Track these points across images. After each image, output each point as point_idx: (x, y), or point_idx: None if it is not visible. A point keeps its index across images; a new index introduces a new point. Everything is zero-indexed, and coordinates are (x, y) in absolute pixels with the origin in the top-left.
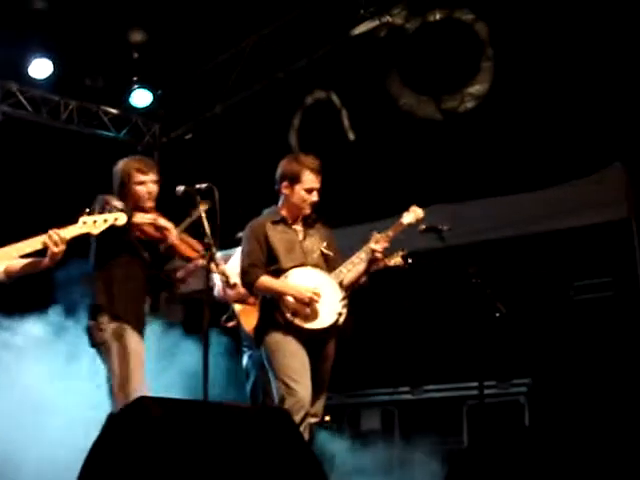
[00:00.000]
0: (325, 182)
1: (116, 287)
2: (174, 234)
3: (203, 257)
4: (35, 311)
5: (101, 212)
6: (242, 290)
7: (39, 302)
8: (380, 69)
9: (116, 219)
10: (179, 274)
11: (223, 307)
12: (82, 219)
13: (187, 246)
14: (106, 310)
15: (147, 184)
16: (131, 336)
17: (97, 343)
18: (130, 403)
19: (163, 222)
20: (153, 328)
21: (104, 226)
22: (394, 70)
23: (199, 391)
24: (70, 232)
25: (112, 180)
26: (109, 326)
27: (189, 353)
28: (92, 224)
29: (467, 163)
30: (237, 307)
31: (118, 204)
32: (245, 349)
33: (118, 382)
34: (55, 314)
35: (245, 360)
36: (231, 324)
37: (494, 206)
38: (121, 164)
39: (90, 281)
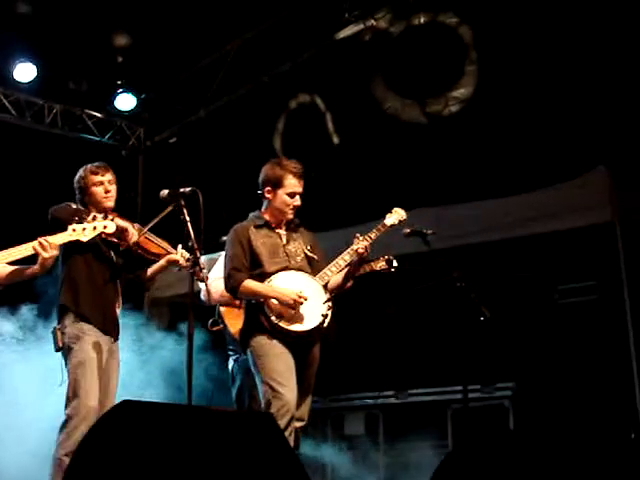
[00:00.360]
0: (309, 186)
1: (81, 287)
2: (133, 233)
3: (171, 254)
4: (6, 308)
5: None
6: (225, 293)
7: (10, 300)
8: (364, 73)
9: (105, 227)
10: (148, 273)
11: (209, 310)
12: (71, 227)
13: (153, 244)
14: (71, 310)
15: (104, 184)
16: (92, 339)
17: (60, 347)
18: (113, 408)
19: (120, 222)
20: (134, 324)
21: (93, 234)
22: (378, 74)
23: (178, 386)
24: (60, 239)
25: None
26: (72, 328)
27: (168, 348)
28: (81, 231)
29: (452, 166)
30: (223, 310)
31: (74, 207)
32: (231, 353)
33: (72, 386)
34: (29, 313)
35: (231, 364)
36: (217, 328)
37: (478, 209)
38: (78, 173)
39: (57, 281)
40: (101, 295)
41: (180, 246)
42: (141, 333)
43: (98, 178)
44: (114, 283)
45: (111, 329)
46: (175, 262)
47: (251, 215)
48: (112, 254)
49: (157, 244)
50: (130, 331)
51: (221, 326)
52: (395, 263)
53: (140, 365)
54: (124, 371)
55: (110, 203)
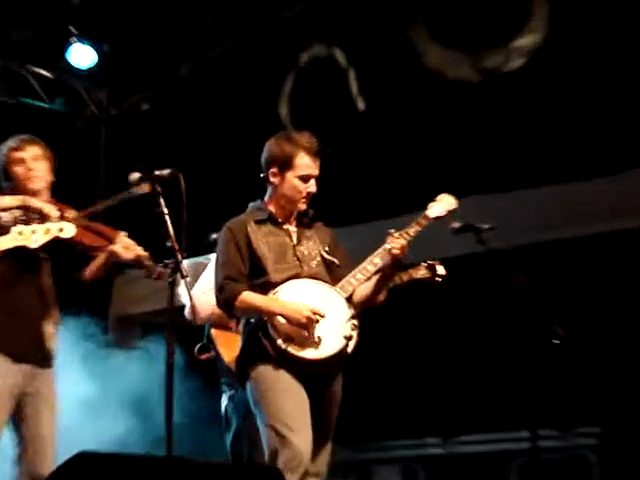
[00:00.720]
0: (327, 167)
1: None
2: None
3: (113, 244)
4: None
5: None
6: (217, 309)
7: None
8: (399, 17)
9: (61, 230)
10: (87, 273)
11: (196, 332)
12: (16, 229)
13: (90, 235)
14: None
15: (26, 162)
16: None
17: None
18: (65, 463)
19: (36, 203)
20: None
21: (45, 238)
22: (418, 18)
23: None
24: (1, 244)
25: None
26: None
27: (133, 373)
28: (30, 235)
29: (515, 139)
30: (214, 333)
31: None
32: (224, 388)
33: None
34: None
35: (224, 403)
36: (206, 356)
37: (550, 197)
38: None
39: None
40: (18, 311)
41: (123, 233)
42: (98, 355)
43: (18, 155)
44: (41, 292)
45: (34, 355)
46: (114, 254)
47: (251, 206)
48: (38, 253)
49: (98, 233)
50: (84, 352)
51: (212, 353)
52: (441, 270)
53: (96, 395)
54: (73, 403)
55: (36, 185)
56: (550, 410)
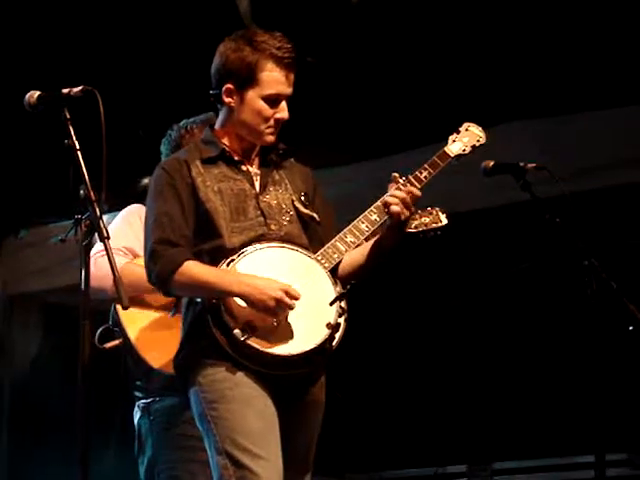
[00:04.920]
0: (304, 84)
1: None
2: None
3: None
4: None
5: None
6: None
7: None
8: None
9: None
10: None
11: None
12: None
13: None
14: None
15: None
16: None
17: None
18: None
19: None
20: None
21: None
22: None
23: None
24: None
25: None
26: None
27: None
28: None
29: (572, 38)
30: (123, 313)
31: None
32: (138, 394)
33: None
34: None
35: (137, 416)
36: (111, 345)
37: (622, 121)
38: None
39: None
40: None
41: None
42: None
43: None
44: None
45: None
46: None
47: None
48: None
49: None
50: None
51: (117, 342)
52: (444, 219)
53: None
54: None
55: None
56: (621, 427)
